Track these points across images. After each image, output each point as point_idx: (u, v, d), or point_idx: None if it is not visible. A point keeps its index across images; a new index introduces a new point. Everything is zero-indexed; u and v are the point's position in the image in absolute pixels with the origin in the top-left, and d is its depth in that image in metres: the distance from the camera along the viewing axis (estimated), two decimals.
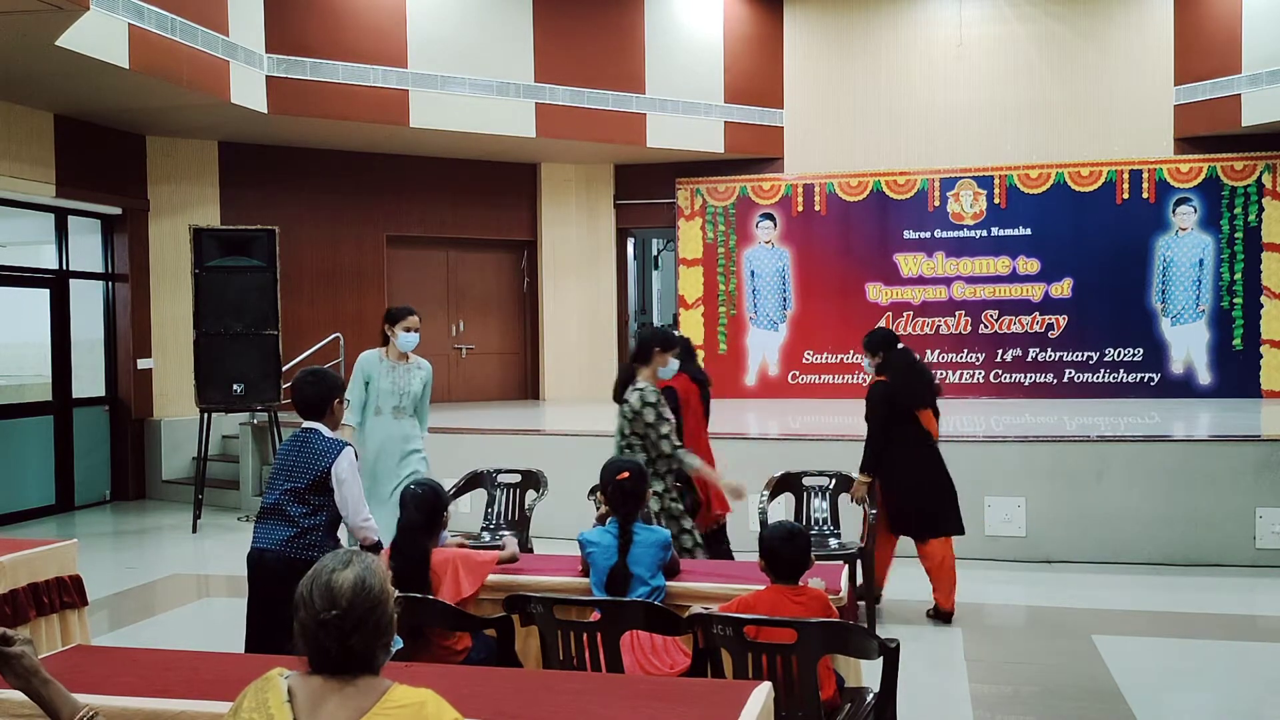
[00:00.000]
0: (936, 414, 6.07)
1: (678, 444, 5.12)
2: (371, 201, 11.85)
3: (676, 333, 5.97)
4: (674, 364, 5.37)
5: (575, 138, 11.39)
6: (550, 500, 6.18)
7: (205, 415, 9.39)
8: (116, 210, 10.43)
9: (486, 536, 6.02)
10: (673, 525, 5.00)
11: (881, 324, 11.55)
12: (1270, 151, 11.11)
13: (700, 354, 12.37)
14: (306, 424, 4.31)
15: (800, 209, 12.22)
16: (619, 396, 5.23)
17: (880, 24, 12.08)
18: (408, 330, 5.97)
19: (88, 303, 10.51)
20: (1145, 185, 11.41)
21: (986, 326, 11.81)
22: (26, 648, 2.12)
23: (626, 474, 4.05)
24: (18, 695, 2.18)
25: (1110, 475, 7.39)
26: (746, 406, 11.44)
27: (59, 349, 10.15)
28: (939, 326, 11.90)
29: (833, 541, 5.96)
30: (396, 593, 2.13)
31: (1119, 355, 11.50)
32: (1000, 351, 11.78)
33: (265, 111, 9.75)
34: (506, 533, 5.99)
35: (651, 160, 12.31)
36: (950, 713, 4.70)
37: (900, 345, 6.13)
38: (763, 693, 2.70)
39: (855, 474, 5.99)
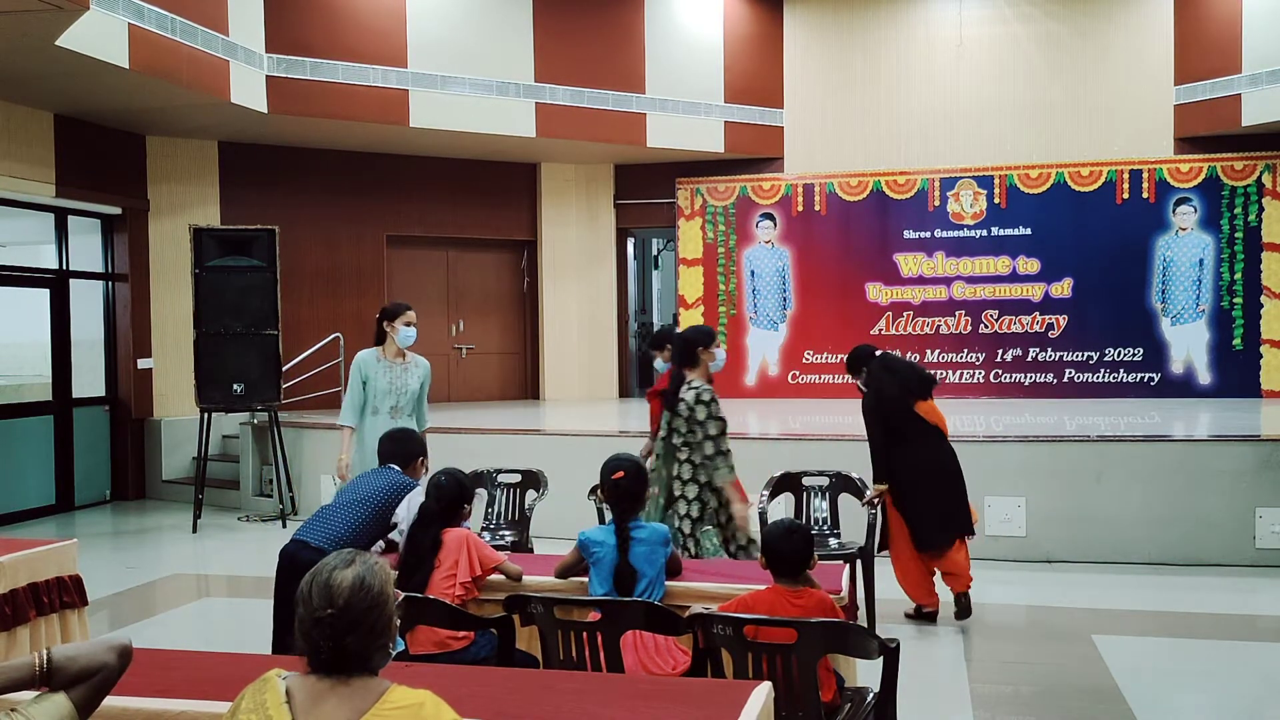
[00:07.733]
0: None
1: (725, 449, 5.01)
2: (371, 201, 11.85)
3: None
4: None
5: (575, 138, 11.39)
6: (550, 500, 6.18)
7: (205, 415, 9.39)
8: (116, 210, 10.43)
9: (487, 536, 6.02)
10: (691, 526, 4.99)
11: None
12: (1270, 151, 11.10)
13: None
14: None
15: (800, 209, 12.21)
16: (673, 403, 5.10)
17: (880, 24, 12.08)
18: (408, 324, 5.98)
19: (88, 303, 10.51)
20: (1145, 185, 11.41)
21: (986, 326, 11.81)
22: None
23: (622, 473, 4.03)
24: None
25: (1110, 475, 7.39)
26: (746, 406, 11.42)
27: (59, 349, 10.14)
28: (939, 326, 11.90)
29: (832, 541, 5.95)
30: (400, 595, 2.12)
31: (1119, 355, 11.50)
32: (1000, 351, 11.78)
33: (265, 111, 9.76)
34: (508, 533, 6.01)
35: (651, 160, 12.31)
36: (950, 713, 4.70)
37: (878, 352, 6.05)
38: (763, 693, 2.70)
39: (853, 474, 6.03)
